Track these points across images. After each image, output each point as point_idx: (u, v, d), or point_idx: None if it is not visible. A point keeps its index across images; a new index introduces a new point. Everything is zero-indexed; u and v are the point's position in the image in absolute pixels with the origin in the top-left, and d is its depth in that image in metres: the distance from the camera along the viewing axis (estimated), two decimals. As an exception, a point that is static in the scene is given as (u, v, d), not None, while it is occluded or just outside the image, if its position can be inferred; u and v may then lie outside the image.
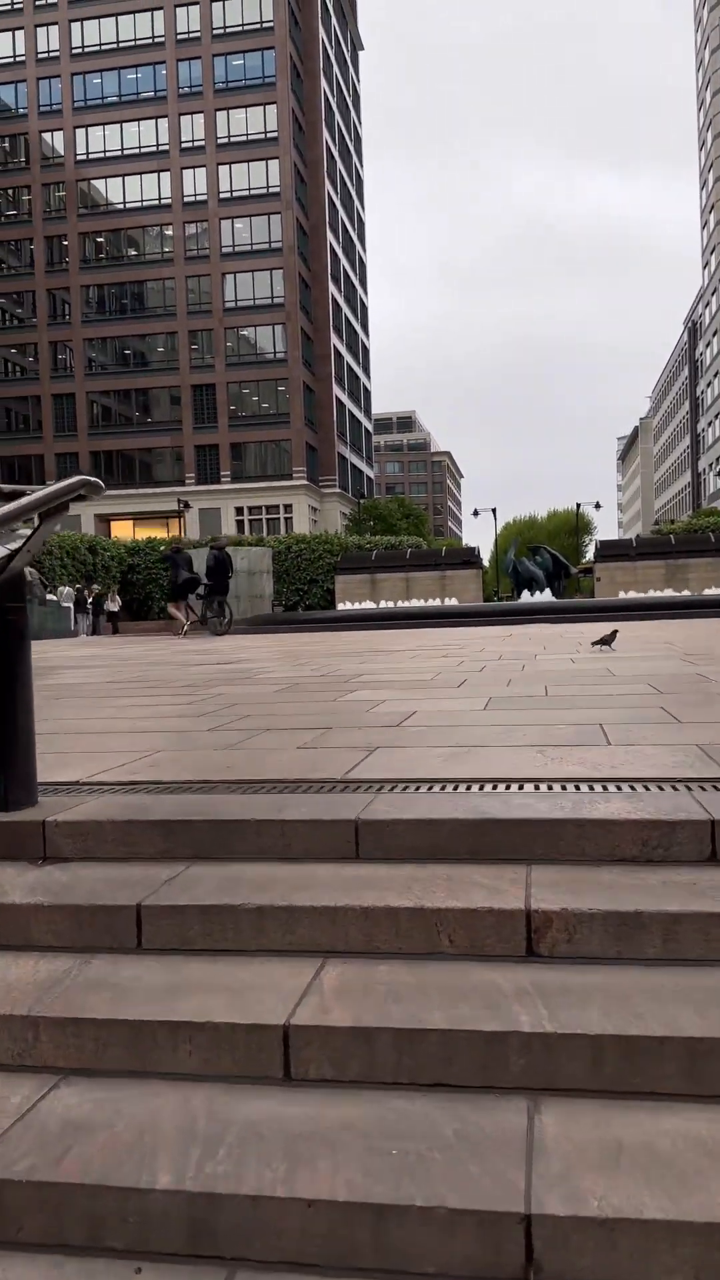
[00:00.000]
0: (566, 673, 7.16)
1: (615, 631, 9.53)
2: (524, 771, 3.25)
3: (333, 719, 4.95)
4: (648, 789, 2.95)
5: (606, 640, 9.35)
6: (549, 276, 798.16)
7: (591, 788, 2.99)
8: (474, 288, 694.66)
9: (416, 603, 23.18)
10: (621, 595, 22.68)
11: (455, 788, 3.09)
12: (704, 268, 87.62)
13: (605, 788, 2.99)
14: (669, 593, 25.36)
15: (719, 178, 79.41)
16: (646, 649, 9.66)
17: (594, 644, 9.45)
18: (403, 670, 7.98)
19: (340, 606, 22.83)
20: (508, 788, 3.04)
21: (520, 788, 3.03)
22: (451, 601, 23.54)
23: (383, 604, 23.59)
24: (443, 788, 3.10)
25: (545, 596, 19.79)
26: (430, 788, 3.12)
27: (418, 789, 3.11)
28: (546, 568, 35.04)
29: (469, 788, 3.07)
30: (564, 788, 3.00)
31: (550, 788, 3.01)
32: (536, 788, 3.02)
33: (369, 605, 23.43)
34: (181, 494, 61.57)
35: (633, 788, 2.97)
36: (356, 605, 23.09)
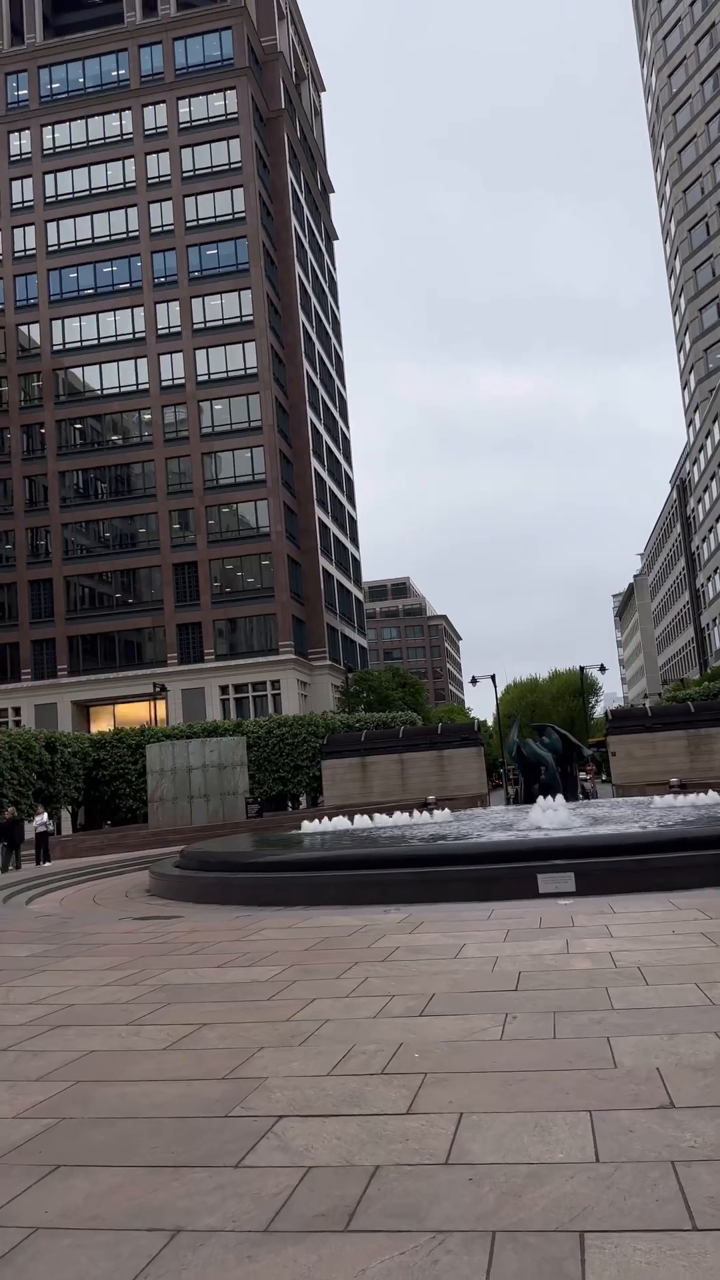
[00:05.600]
0: None
1: None
2: None
3: None
4: None
5: None
6: (481, 455, 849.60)
7: None
8: (414, 465, 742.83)
9: (406, 815, 19.12)
10: (660, 801, 18.68)
11: None
12: (688, 425, 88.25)
13: None
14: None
15: (695, 340, 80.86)
16: None
17: None
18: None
19: (305, 826, 18.71)
20: None
21: None
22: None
23: (359, 819, 19.44)
24: None
25: (558, 803, 15.79)
26: None
27: None
28: (556, 749, 30.49)
29: None
30: None
31: None
32: None
33: (342, 822, 19.32)
34: (162, 675, 58.39)
35: None
36: (328, 825, 18.94)
